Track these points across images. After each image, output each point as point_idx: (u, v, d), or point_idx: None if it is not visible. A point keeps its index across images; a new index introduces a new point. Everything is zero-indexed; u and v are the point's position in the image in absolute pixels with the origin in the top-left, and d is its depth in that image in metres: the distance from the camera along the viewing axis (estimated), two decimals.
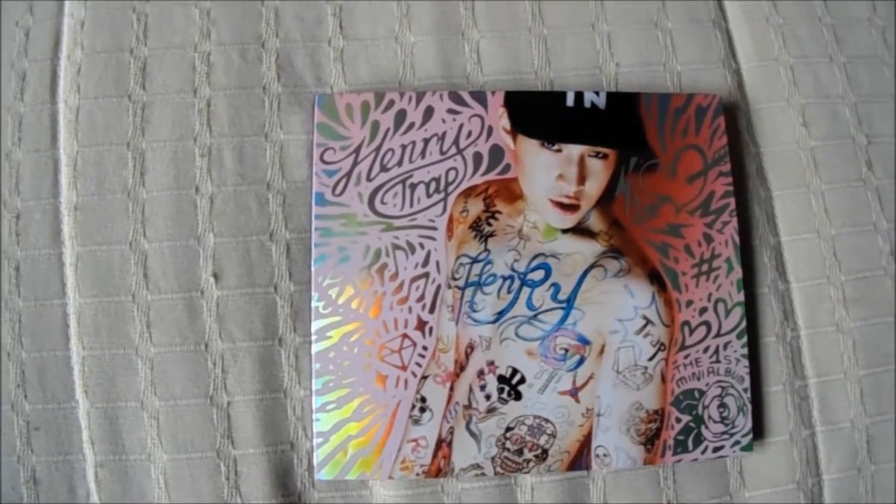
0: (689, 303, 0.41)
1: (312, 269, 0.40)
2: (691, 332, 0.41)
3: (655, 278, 0.41)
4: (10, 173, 0.42)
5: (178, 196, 0.42)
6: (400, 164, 0.41)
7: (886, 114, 0.46)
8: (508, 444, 0.39)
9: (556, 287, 0.40)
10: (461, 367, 0.39)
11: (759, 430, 0.42)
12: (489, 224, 0.40)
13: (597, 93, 0.42)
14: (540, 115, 0.41)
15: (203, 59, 0.43)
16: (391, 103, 0.41)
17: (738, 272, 0.42)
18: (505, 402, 0.39)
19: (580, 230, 0.41)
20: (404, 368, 0.39)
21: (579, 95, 0.42)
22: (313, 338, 0.39)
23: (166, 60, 0.43)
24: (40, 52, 0.43)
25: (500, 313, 0.40)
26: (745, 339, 0.41)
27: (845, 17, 0.47)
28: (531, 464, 0.39)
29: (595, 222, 0.41)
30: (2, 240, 0.41)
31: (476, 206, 0.41)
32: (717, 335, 0.41)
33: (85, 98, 0.42)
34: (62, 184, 0.42)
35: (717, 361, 0.41)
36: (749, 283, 0.43)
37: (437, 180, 0.41)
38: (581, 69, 0.44)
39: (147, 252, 0.41)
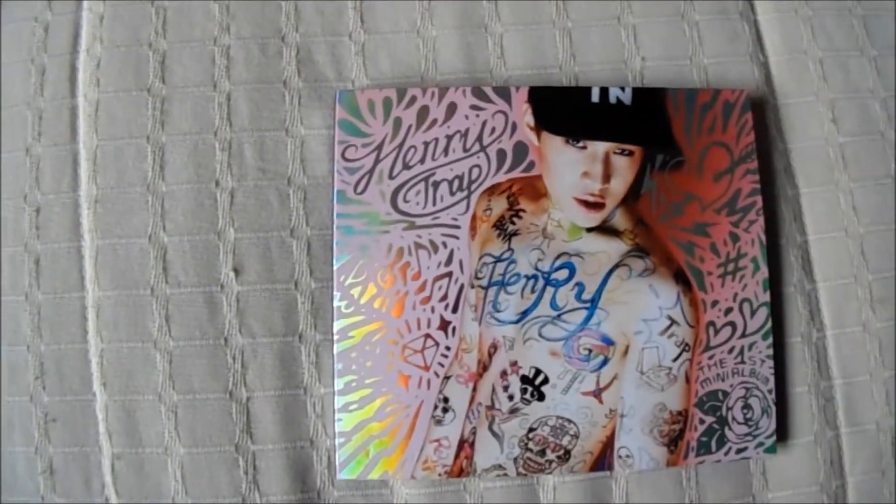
0: (715, 303, 0.40)
1: (334, 268, 0.40)
2: (716, 332, 0.40)
3: (681, 278, 0.40)
4: (30, 167, 0.42)
5: (197, 190, 0.41)
6: (423, 161, 0.40)
7: None
8: (531, 445, 0.39)
9: (581, 287, 0.39)
10: (484, 368, 0.39)
11: (782, 432, 0.41)
12: (513, 223, 0.40)
13: (622, 88, 0.41)
14: (565, 111, 0.41)
15: (223, 52, 0.43)
16: (413, 99, 0.41)
17: (764, 272, 0.41)
18: (528, 402, 0.39)
19: (605, 229, 0.40)
20: (427, 369, 0.39)
21: (604, 91, 0.41)
22: (335, 337, 0.39)
23: (185, 54, 0.43)
24: (59, 47, 0.43)
25: (524, 313, 0.39)
26: (770, 340, 0.41)
27: (875, 9, 0.46)
28: (553, 464, 0.39)
29: (620, 221, 0.40)
30: (23, 233, 0.41)
31: (500, 205, 0.40)
32: (743, 336, 0.40)
33: (104, 92, 0.42)
34: (82, 177, 0.42)
35: (742, 362, 0.40)
36: (775, 283, 0.42)
37: (461, 178, 0.40)
38: (606, 63, 0.44)
39: (166, 246, 0.41)
